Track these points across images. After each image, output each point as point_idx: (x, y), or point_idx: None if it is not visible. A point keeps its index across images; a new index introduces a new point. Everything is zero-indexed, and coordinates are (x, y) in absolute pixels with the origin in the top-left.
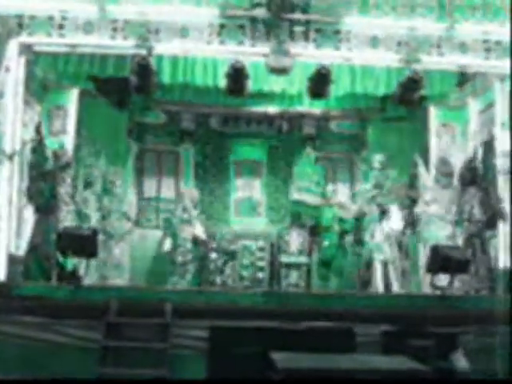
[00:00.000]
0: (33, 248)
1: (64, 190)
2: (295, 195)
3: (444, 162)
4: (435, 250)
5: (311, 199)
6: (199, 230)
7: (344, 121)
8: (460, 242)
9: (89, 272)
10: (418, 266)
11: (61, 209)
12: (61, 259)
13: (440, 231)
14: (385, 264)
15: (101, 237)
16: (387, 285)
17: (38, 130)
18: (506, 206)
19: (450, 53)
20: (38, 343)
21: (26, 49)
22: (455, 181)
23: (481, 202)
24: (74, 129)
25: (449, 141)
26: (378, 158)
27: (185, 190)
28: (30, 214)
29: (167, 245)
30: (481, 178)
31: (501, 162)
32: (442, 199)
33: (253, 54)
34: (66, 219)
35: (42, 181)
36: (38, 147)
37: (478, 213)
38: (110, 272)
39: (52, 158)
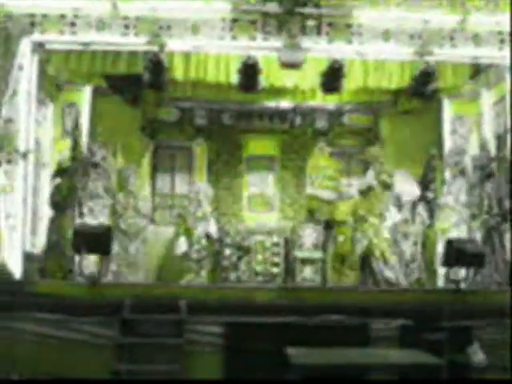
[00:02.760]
0: (51, 246)
1: (100, 185)
2: (309, 190)
3: (456, 152)
4: (450, 244)
5: (325, 194)
6: (213, 228)
7: (357, 115)
8: (477, 235)
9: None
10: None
11: (96, 204)
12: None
13: (448, 219)
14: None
15: (116, 234)
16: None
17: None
18: None
19: (462, 45)
20: (53, 340)
21: (38, 47)
22: (468, 171)
23: (498, 194)
24: (88, 126)
25: (463, 133)
26: None
27: (199, 186)
28: (45, 212)
29: (182, 247)
30: (496, 170)
31: None
32: (454, 189)
33: (265, 48)
34: (102, 214)
35: (61, 178)
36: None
37: (496, 206)
38: (125, 269)
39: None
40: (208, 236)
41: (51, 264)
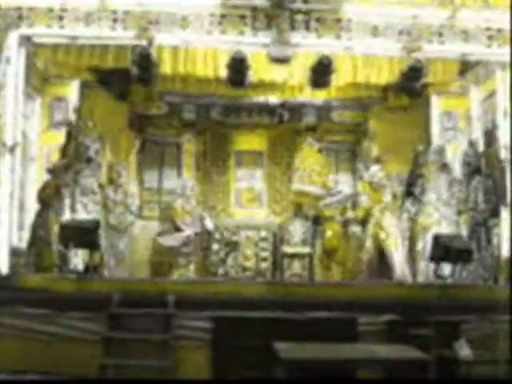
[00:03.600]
0: (38, 241)
1: (94, 180)
2: (297, 185)
3: (435, 150)
4: (437, 240)
5: (313, 189)
6: (209, 224)
7: (346, 110)
8: (464, 231)
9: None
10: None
11: (89, 199)
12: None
13: (430, 216)
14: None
15: (106, 229)
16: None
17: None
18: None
19: (451, 41)
20: (40, 335)
21: (26, 41)
22: (450, 168)
23: (485, 190)
24: (76, 121)
25: (451, 129)
26: None
27: (185, 181)
28: (32, 206)
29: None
30: (484, 166)
31: (503, 150)
32: (435, 186)
33: (254, 43)
34: (95, 209)
35: (49, 173)
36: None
37: (482, 201)
38: (113, 264)
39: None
40: (209, 233)
41: (39, 259)
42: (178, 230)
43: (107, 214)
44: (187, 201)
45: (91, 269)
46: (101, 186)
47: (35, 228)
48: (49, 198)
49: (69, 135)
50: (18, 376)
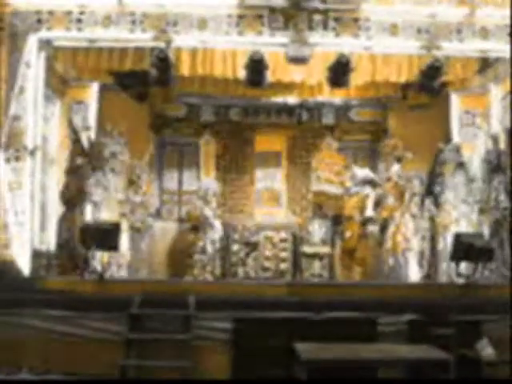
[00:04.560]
0: (62, 243)
1: (93, 182)
2: (316, 185)
3: (453, 149)
4: (458, 238)
5: (332, 189)
6: (216, 235)
7: (364, 109)
8: (485, 229)
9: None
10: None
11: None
12: None
13: (449, 215)
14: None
15: (129, 231)
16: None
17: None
18: None
19: (470, 38)
20: (61, 336)
21: (45, 44)
22: (467, 166)
23: (506, 188)
24: (95, 123)
25: (470, 127)
26: None
27: (207, 183)
28: (53, 209)
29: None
30: (505, 164)
31: None
32: (453, 184)
33: (272, 44)
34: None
35: (71, 175)
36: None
37: (504, 200)
38: (136, 265)
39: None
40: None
41: (63, 261)
42: (197, 231)
43: (129, 215)
44: (208, 203)
45: (100, 271)
46: (97, 185)
47: (60, 230)
48: (72, 199)
49: (75, 136)
50: (42, 376)
